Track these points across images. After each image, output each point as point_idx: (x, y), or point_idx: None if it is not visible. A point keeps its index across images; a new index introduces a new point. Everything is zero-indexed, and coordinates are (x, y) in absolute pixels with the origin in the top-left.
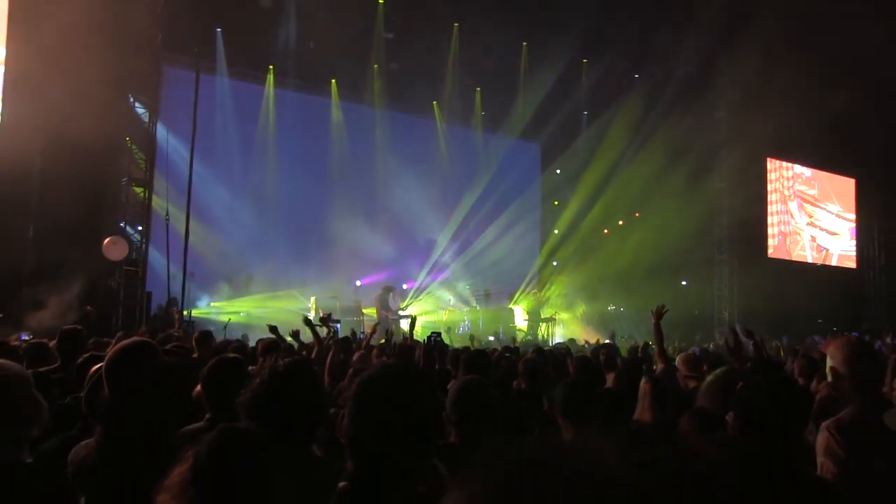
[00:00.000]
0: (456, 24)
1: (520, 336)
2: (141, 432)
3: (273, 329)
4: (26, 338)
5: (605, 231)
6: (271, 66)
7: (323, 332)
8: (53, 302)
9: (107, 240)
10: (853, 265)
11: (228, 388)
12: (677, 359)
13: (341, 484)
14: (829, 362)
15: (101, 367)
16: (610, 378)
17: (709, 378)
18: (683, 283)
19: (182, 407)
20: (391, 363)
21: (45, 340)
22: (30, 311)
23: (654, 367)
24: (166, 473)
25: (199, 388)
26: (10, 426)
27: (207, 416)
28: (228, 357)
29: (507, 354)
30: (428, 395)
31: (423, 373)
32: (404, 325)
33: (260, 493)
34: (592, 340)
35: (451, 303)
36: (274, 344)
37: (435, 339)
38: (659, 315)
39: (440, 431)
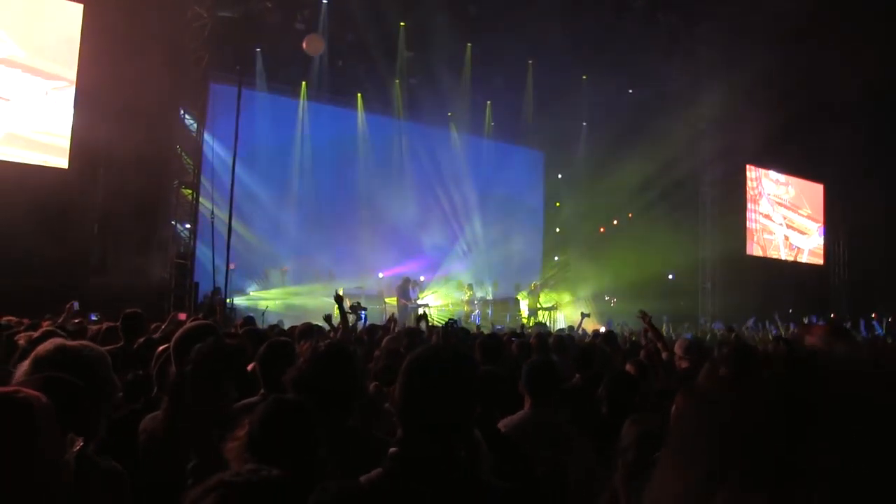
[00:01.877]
0: (469, 44)
1: (525, 323)
2: (203, 404)
3: (328, 318)
4: (95, 318)
5: (602, 230)
6: (304, 82)
7: (351, 319)
8: (116, 289)
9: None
10: (821, 262)
11: (279, 367)
12: (676, 344)
13: (392, 449)
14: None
15: (168, 347)
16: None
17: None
18: (670, 276)
19: (238, 382)
20: (439, 343)
21: (113, 323)
22: (96, 297)
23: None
24: (226, 440)
25: (251, 366)
26: (100, 406)
27: (261, 391)
28: (280, 340)
29: (514, 339)
30: (470, 371)
31: (466, 352)
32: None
33: (305, 453)
34: (590, 329)
35: (463, 294)
36: (309, 329)
37: (453, 324)
38: (646, 318)
39: (478, 403)
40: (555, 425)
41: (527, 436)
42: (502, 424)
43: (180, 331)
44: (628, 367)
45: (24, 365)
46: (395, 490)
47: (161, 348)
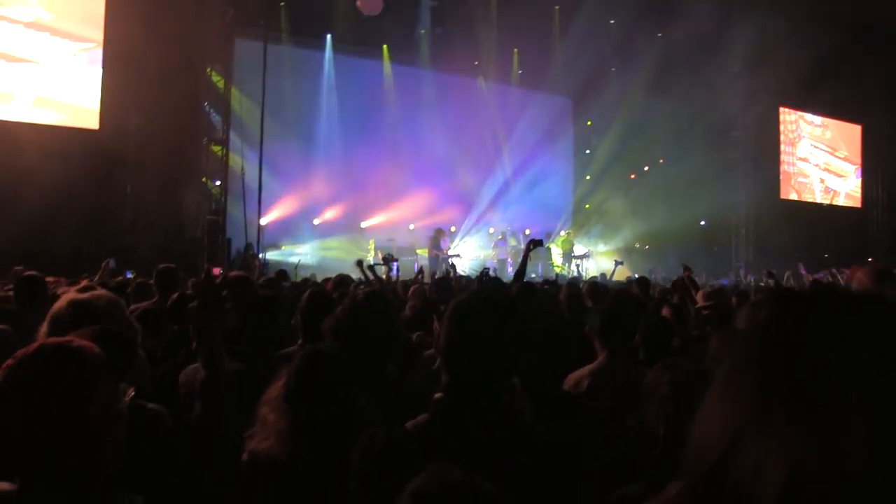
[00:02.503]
0: None
1: (558, 271)
2: (242, 354)
3: (360, 262)
4: (130, 276)
5: (633, 176)
6: (329, 35)
7: (383, 270)
8: (149, 247)
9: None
10: (858, 205)
11: (319, 318)
12: (698, 295)
13: (437, 395)
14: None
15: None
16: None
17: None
18: (702, 222)
19: (274, 331)
20: (484, 289)
21: (144, 279)
22: (131, 255)
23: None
24: (265, 389)
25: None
26: None
27: (300, 341)
28: (320, 290)
29: (546, 286)
30: (513, 317)
31: (511, 298)
32: (454, 262)
33: (341, 401)
34: (623, 277)
35: (494, 243)
36: (342, 281)
37: (486, 273)
38: (687, 271)
39: (522, 350)
40: (631, 372)
41: (598, 387)
42: (575, 376)
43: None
44: (665, 311)
45: (44, 326)
46: (442, 435)
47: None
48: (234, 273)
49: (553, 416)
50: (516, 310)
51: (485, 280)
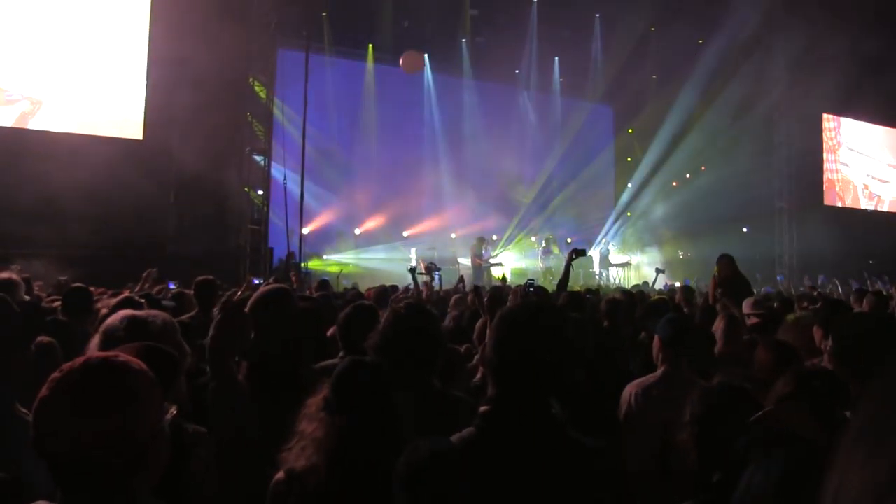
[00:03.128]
0: (535, 0)
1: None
2: (281, 366)
3: (412, 270)
4: (173, 287)
5: (675, 184)
6: (370, 45)
7: (425, 280)
8: (193, 257)
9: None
10: None
11: (359, 330)
12: (744, 303)
13: (483, 408)
14: None
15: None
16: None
17: (791, 317)
18: (744, 229)
19: (314, 344)
20: (532, 299)
21: (187, 291)
22: (174, 266)
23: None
24: (304, 402)
25: (332, 329)
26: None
27: (341, 354)
28: (362, 303)
29: (589, 296)
30: (562, 328)
31: (559, 309)
32: (495, 271)
33: (379, 412)
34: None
35: (540, 252)
36: (384, 291)
37: (531, 284)
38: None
39: (571, 362)
40: (692, 383)
41: (663, 394)
42: (635, 385)
43: (255, 295)
44: (718, 322)
45: (95, 339)
46: (489, 448)
47: None
48: (272, 286)
49: (595, 429)
50: (565, 320)
51: (528, 292)
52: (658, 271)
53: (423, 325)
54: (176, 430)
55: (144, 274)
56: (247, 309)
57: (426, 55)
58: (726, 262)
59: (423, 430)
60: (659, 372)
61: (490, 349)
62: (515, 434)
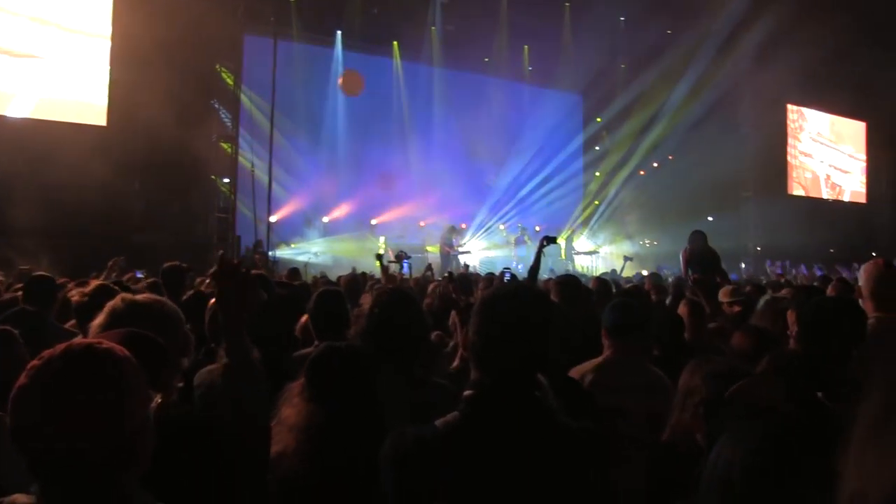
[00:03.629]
0: None
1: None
2: (264, 353)
3: (380, 256)
4: (140, 276)
5: (642, 173)
6: (339, 32)
7: (395, 268)
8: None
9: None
10: (863, 200)
11: (334, 316)
12: (721, 291)
13: (466, 392)
14: (860, 282)
15: None
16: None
17: (765, 300)
18: (710, 218)
19: (292, 330)
20: (514, 282)
21: (157, 279)
22: (141, 254)
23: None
24: (284, 389)
25: (304, 318)
26: (177, 361)
27: (315, 343)
28: (330, 289)
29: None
30: (543, 311)
31: (539, 290)
32: (464, 259)
33: (359, 395)
34: (632, 273)
35: (515, 241)
36: (355, 279)
37: (507, 273)
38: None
39: (554, 345)
40: (642, 368)
41: (613, 380)
42: (580, 369)
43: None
44: (681, 308)
45: (99, 318)
46: (474, 432)
47: (213, 301)
48: (253, 271)
49: (577, 411)
50: (548, 303)
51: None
52: (626, 259)
53: (407, 311)
54: (165, 419)
55: (111, 262)
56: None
57: (395, 42)
58: (698, 236)
59: (406, 417)
60: (599, 358)
61: (473, 333)
62: (501, 417)
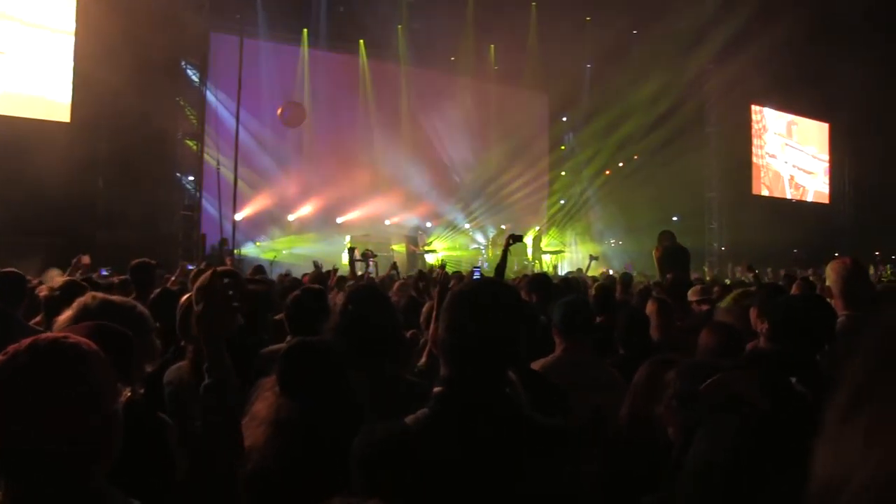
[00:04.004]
0: None
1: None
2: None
3: (351, 251)
4: (105, 274)
5: (608, 172)
6: (305, 30)
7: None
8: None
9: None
10: (826, 201)
11: (307, 314)
12: (690, 291)
13: (436, 389)
14: (827, 281)
15: (190, 296)
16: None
17: (729, 298)
18: (674, 218)
19: (264, 327)
20: (484, 278)
21: (125, 276)
22: (105, 252)
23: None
24: (256, 385)
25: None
26: (141, 365)
27: (288, 338)
28: (311, 287)
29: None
30: (515, 306)
31: (511, 286)
32: (429, 258)
33: (333, 390)
34: (598, 273)
35: (472, 240)
36: (320, 277)
37: (476, 271)
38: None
39: (524, 340)
40: (593, 365)
41: (564, 378)
42: (536, 366)
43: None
44: (649, 306)
45: (67, 313)
46: (443, 428)
47: (184, 298)
48: (222, 268)
49: (549, 407)
50: (517, 299)
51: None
52: (591, 258)
53: (381, 308)
54: (132, 414)
55: (74, 260)
56: (194, 294)
57: (361, 40)
58: (667, 234)
59: (377, 413)
60: (550, 357)
61: (443, 329)
62: (470, 413)
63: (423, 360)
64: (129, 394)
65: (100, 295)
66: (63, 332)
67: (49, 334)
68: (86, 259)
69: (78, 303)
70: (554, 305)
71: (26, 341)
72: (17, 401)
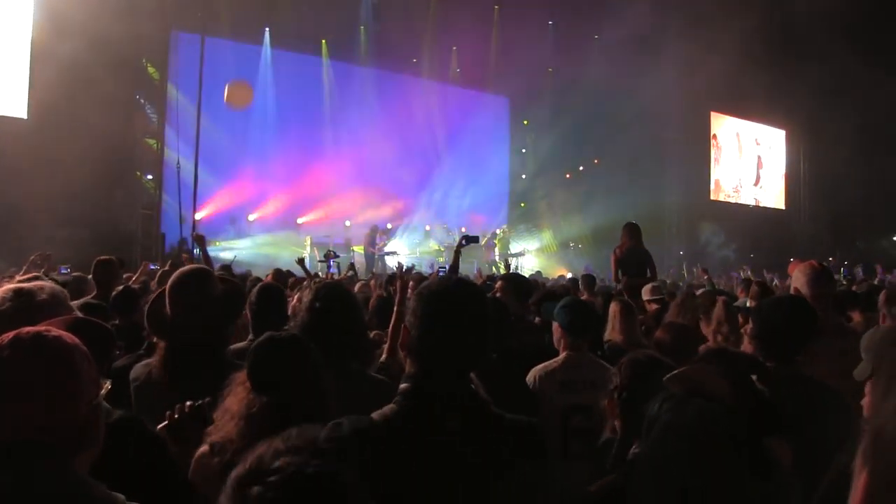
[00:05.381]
0: None
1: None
2: (202, 345)
3: (301, 261)
4: (66, 272)
5: (568, 176)
6: (268, 29)
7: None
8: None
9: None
10: (783, 206)
11: (271, 311)
12: (643, 289)
13: (403, 385)
14: (793, 284)
15: (161, 291)
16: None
17: (679, 299)
18: (633, 221)
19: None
20: (450, 276)
21: (84, 275)
22: (64, 249)
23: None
24: (227, 380)
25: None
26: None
27: (250, 336)
28: (271, 284)
29: (489, 283)
30: (481, 304)
31: (476, 284)
32: (388, 260)
33: (305, 383)
34: (556, 274)
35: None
36: (279, 275)
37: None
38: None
39: (492, 337)
40: (595, 365)
41: (572, 382)
42: (542, 369)
43: (175, 275)
44: (612, 306)
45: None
46: (409, 424)
47: (154, 294)
48: (192, 266)
49: (516, 407)
50: (483, 297)
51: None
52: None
53: (347, 307)
54: (134, 430)
55: (33, 256)
56: (167, 289)
57: (324, 40)
58: (629, 230)
59: (344, 409)
60: (561, 357)
61: (411, 325)
62: (437, 410)
63: (384, 357)
64: (108, 387)
65: (13, 285)
66: (44, 326)
67: (31, 328)
68: (48, 253)
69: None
70: (543, 306)
71: (9, 334)
72: (2, 395)
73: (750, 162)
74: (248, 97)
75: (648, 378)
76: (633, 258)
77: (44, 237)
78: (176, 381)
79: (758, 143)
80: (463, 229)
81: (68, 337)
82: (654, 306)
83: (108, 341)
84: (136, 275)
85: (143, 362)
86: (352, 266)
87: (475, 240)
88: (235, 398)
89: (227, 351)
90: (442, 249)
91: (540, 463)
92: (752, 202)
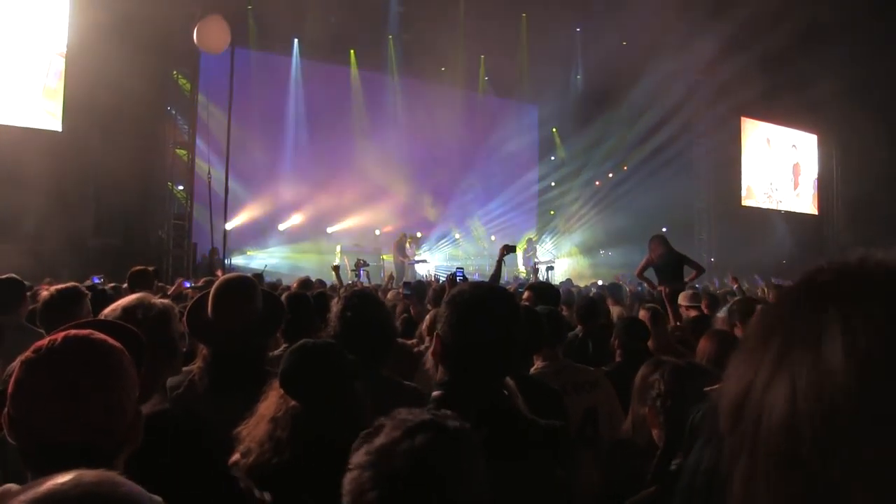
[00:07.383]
0: None
1: (522, 276)
2: (245, 355)
3: (335, 268)
4: (98, 281)
5: (598, 183)
6: (296, 39)
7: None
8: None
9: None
10: (815, 212)
11: (302, 320)
12: (680, 295)
13: (435, 392)
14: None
15: (203, 293)
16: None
17: (731, 307)
18: (664, 228)
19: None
20: (481, 282)
21: (114, 284)
22: (96, 260)
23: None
24: (265, 388)
25: None
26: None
27: (284, 345)
28: (298, 293)
29: (519, 290)
30: (512, 311)
31: (509, 292)
32: (419, 269)
33: (338, 390)
34: (587, 283)
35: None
36: (307, 282)
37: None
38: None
39: (523, 344)
40: (578, 370)
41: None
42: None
43: (222, 281)
44: (641, 313)
45: (115, 309)
46: None
47: (195, 298)
48: (236, 275)
49: (544, 410)
50: (515, 304)
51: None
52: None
53: (377, 314)
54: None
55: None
56: (212, 293)
57: (352, 50)
58: (658, 241)
59: (376, 417)
60: (539, 365)
61: (443, 332)
62: (468, 417)
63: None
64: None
65: (125, 302)
66: (88, 330)
67: (78, 332)
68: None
69: (121, 304)
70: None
71: (58, 337)
72: (56, 396)
73: (784, 167)
74: (224, 36)
75: (691, 387)
76: (669, 266)
77: (75, 247)
78: (220, 390)
79: (789, 148)
80: (493, 238)
81: (112, 341)
82: (693, 312)
83: (140, 349)
84: (171, 292)
85: (184, 369)
86: (391, 276)
87: (513, 249)
88: (268, 402)
89: (267, 361)
90: (473, 257)
91: (571, 471)
92: (784, 208)
